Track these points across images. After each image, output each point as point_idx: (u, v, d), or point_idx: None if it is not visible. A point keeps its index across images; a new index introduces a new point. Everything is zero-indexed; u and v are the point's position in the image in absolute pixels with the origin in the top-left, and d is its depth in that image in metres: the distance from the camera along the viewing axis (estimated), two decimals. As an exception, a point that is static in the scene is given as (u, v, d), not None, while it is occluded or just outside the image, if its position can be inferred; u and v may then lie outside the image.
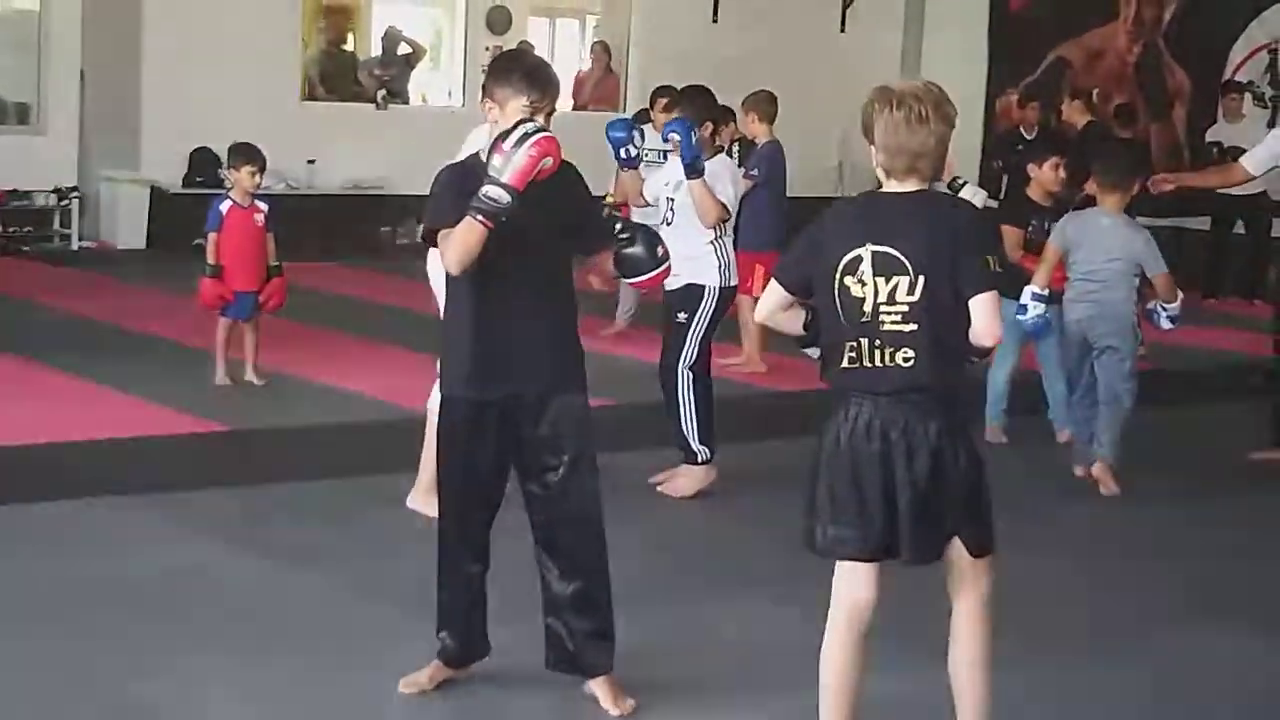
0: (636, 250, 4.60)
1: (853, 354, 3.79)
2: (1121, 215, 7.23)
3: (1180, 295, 7.19)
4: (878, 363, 3.77)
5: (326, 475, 6.92)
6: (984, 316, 3.77)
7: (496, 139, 4.16)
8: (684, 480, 6.72)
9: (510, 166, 4.08)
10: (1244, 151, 13.69)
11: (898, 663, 4.34)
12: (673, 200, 6.83)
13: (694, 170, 6.61)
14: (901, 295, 3.74)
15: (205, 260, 8.45)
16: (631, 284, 4.83)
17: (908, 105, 3.74)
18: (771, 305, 4.00)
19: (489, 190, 4.09)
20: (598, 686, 4.47)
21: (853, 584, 3.88)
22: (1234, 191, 13.51)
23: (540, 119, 4.26)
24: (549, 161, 4.13)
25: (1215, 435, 8.55)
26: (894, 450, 3.76)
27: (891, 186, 3.83)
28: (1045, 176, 7.99)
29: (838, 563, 3.91)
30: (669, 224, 6.75)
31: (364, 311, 11.35)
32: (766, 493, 6.77)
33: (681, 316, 6.69)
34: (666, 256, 4.64)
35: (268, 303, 8.59)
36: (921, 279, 3.72)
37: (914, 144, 3.76)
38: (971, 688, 3.91)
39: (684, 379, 6.67)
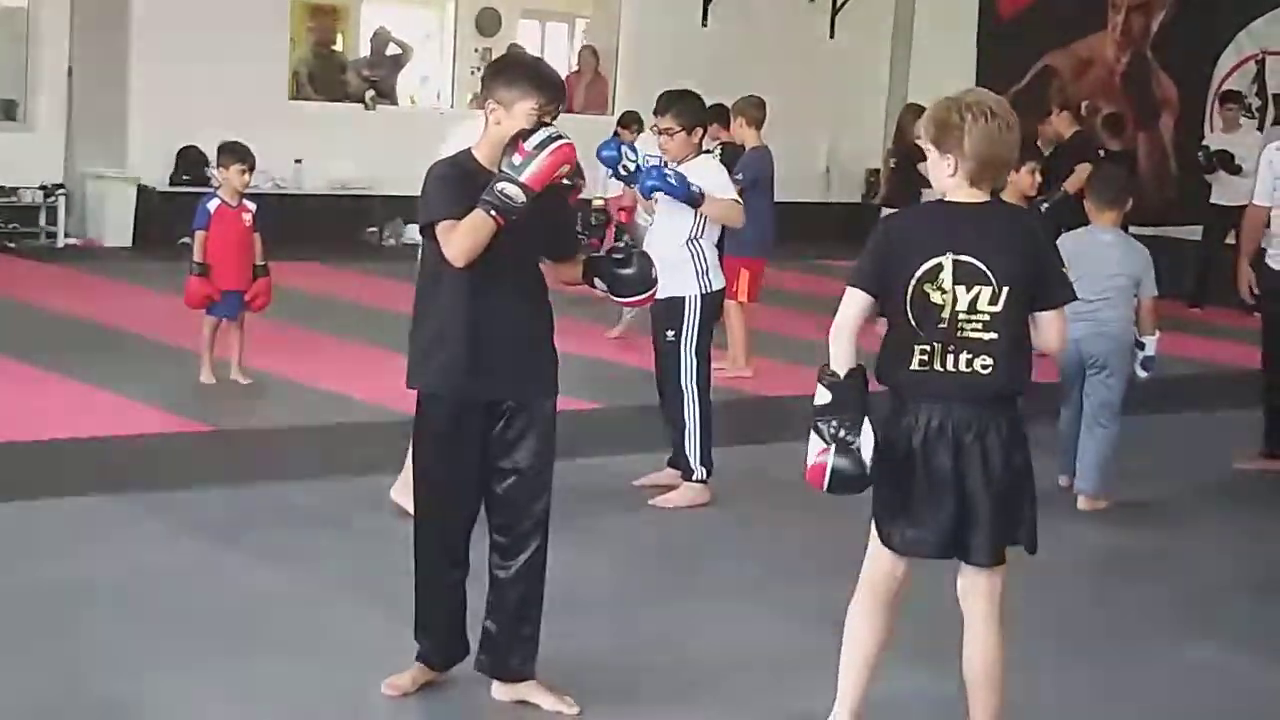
0: (630, 272, 4.66)
1: (924, 357, 3.85)
2: (1119, 232, 7.23)
3: (1158, 333, 7.14)
4: (951, 368, 3.84)
5: (310, 476, 6.91)
6: (1060, 328, 3.93)
7: (516, 137, 4.17)
8: (676, 495, 6.72)
9: (530, 168, 4.11)
10: (1230, 156, 13.88)
11: (893, 665, 4.32)
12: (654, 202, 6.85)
13: (693, 202, 6.62)
14: (983, 305, 3.81)
15: (192, 259, 8.43)
16: (620, 302, 4.86)
17: (996, 115, 3.84)
18: (855, 313, 3.95)
19: (505, 188, 4.11)
20: (533, 690, 4.45)
21: (895, 559, 3.96)
22: (1225, 202, 13.57)
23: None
24: (566, 169, 4.17)
25: (1202, 444, 8.56)
26: (969, 454, 3.84)
27: (959, 196, 3.89)
28: (1023, 181, 8.08)
29: (873, 540, 3.99)
30: (650, 224, 6.78)
31: (350, 312, 11.32)
32: (749, 498, 6.76)
33: (670, 335, 6.69)
34: (656, 280, 4.71)
35: (254, 302, 8.56)
36: (1006, 289, 3.81)
37: (1005, 152, 3.89)
38: (991, 688, 3.95)
39: (690, 395, 6.66)
